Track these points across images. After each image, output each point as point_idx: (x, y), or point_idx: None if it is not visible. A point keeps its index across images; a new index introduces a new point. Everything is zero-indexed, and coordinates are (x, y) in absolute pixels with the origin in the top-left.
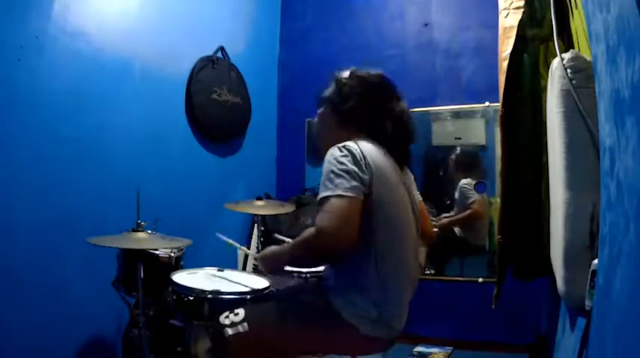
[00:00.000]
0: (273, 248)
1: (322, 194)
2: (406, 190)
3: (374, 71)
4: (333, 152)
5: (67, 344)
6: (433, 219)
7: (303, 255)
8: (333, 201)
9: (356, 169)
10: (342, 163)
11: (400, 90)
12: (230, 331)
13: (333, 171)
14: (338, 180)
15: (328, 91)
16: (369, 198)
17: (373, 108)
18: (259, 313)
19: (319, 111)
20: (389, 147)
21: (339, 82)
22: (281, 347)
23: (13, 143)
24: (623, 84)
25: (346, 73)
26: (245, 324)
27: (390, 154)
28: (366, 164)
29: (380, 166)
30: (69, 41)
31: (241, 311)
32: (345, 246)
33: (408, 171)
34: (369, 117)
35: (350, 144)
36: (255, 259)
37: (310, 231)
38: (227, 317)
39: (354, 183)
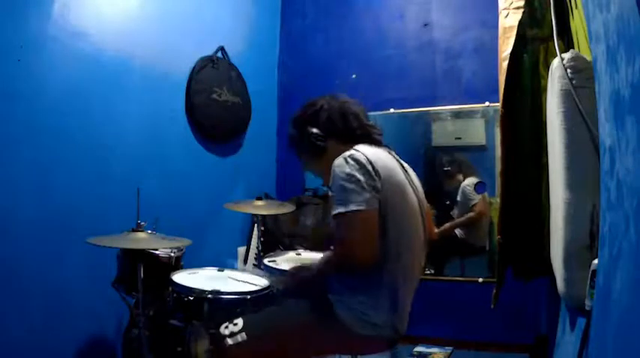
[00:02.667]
0: (301, 268)
1: (338, 210)
2: (414, 192)
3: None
4: (340, 164)
5: (67, 344)
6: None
7: (331, 271)
8: (351, 216)
9: (366, 179)
10: (351, 175)
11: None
12: (230, 341)
13: (344, 186)
14: (351, 195)
15: (301, 147)
16: (380, 202)
17: (319, 119)
18: (258, 321)
19: (297, 152)
20: (358, 139)
21: (291, 136)
22: (281, 353)
23: (13, 143)
24: (623, 84)
25: (291, 129)
26: (244, 334)
27: (370, 141)
28: (374, 170)
29: (388, 169)
30: (69, 41)
31: (240, 321)
32: (370, 260)
33: (413, 173)
34: (331, 131)
35: (355, 153)
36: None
37: (334, 251)
38: (227, 327)
39: (368, 194)
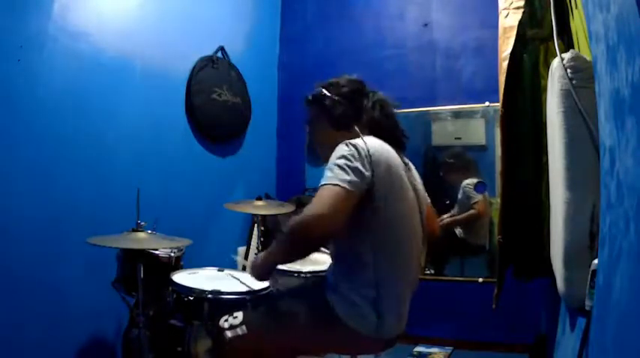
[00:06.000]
0: (260, 254)
1: (321, 182)
2: (413, 189)
3: (343, 76)
4: (341, 147)
5: (67, 344)
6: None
7: (290, 242)
8: (328, 188)
9: (358, 165)
10: (345, 158)
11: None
12: (229, 334)
13: (336, 164)
14: (338, 171)
15: (313, 109)
16: (373, 196)
17: (359, 102)
18: (258, 315)
19: (313, 127)
20: (384, 135)
21: (320, 96)
22: (280, 348)
23: (13, 143)
24: (623, 84)
25: (320, 87)
26: (244, 327)
27: (391, 144)
28: (370, 161)
29: (387, 164)
30: (69, 41)
31: (240, 314)
32: (328, 233)
33: (413, 168)
34: (359, 112)
35: (357, 140)
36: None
37: (297, 216)
38: (226, 320)
39: (354, 178)
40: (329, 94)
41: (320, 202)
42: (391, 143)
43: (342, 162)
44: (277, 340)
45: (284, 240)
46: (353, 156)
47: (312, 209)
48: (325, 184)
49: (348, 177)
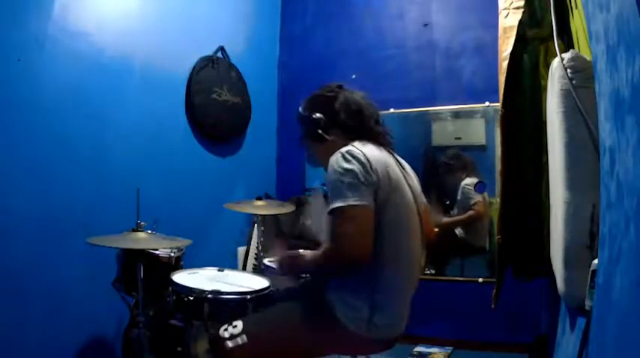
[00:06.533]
0: (293, 253)
1: (335, 205)
2: (410, 190)
3: (323, 86)
4: (337, 159)
5: (67, 344)
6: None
7: (325, 266)
8: (349, 211)
9: (364, 174)
10: (349, 171)
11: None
12: (230, 344)
13: (342, 181)
14: (349, 190)
15: (300, 128)
16: (376, 199)
17: (330, 109)
18: (257, 323)
19: (304, 143)
20: (360, 134)
21: (299, 117)
22: (281, 355)
23: (13, 143)
24: (623, 84)
25: (300, 107)
26: (244, 336)
27: (374, 144)
28: (371, 166)
29: (384, 166)
30: (69, 41)
31: (239, 323)
32: (365, 256)
33: (407, 166)
34: (333, 119)
35: (352, 149)
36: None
37: (329, 243)
38: (226, 329)
39: (365, 191)
40: (305, 114)
41: (347, 228)
42: (374, 142)
43: (347, 176)
44: (278, 347)
45: (320, 262)
46: (355, 166)
47: (342, 237)
48: (343, 207)
49: (359, 193)
